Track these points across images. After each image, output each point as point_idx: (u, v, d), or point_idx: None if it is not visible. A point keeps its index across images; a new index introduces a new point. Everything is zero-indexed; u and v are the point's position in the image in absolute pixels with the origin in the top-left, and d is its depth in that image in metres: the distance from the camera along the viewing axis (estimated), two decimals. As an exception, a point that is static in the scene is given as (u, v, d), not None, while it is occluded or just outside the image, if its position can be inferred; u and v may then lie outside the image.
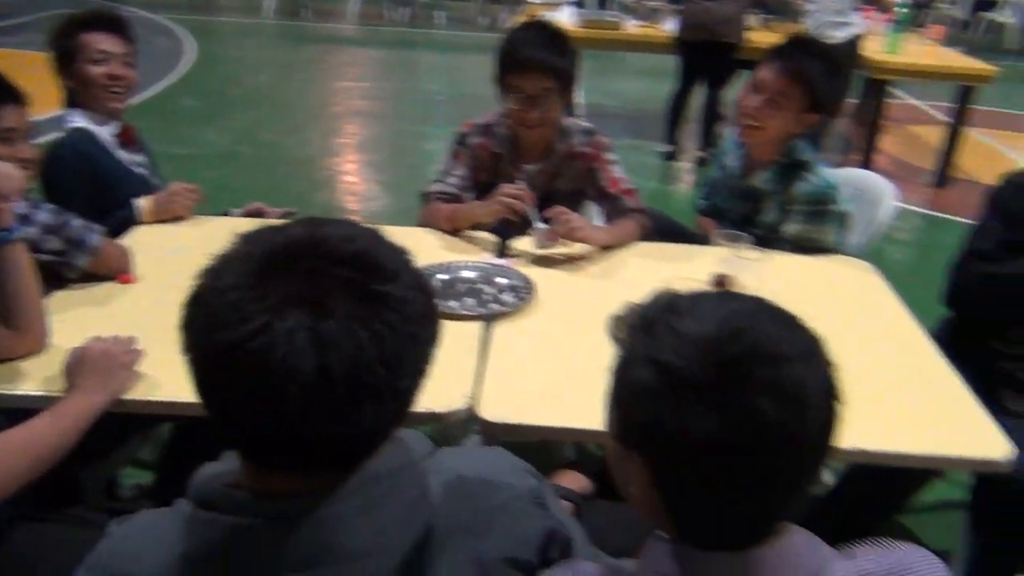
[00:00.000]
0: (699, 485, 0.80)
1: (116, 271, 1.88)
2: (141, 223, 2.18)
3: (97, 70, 2.17)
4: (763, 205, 2.33)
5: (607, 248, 2.19)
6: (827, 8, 4.90)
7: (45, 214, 1.74)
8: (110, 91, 2.20)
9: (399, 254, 0.80)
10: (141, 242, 2.06)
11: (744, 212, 2.38)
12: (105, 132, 2.22)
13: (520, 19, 5.85)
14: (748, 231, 2.20)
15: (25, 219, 1.68)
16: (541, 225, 2.13)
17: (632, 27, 5.88)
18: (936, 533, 2.31)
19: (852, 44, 4.89)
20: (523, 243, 2.19)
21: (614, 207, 2.32)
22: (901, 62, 5.23)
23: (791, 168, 2.26)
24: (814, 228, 2.24)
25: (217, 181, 4.53)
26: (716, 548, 0.82)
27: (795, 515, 0.86)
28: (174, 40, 8.83)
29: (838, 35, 4.82)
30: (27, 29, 8.61)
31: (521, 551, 0.90)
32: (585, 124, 2.38)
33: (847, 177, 2.64)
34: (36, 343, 1.56)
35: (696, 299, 0.84)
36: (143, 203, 2.19)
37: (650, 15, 5.96)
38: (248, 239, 0.79)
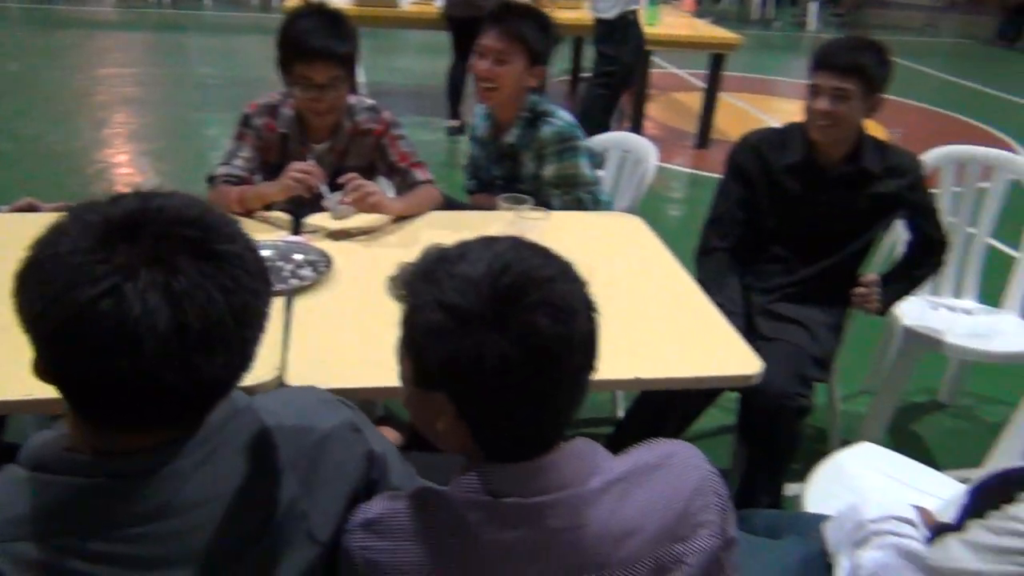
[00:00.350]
0: (499, 403, 0.92)
1: None
2: None
3: None
4: (520, 160, 2.52)
5: (401, 219, 2.28)
6: None
7: None
8: None
9: (230, 219, 0.86)
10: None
11: (506, 173, 2.57)
12: None
13: (292, 1, 5.77)
14: (514, 189, 2.40)
15: None
16: (334, 195, 2.18)
17: (407, 4, 5.94)
18: (714, 455, 2.60)
19: (626, 19, 5.08)
20: (317, 219, 2.23)
21: (405, 181, 2.40)
22: (659, 33, 5.64)
23: (534, 120, 2.47)
24: (567, 164, 2.46)
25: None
26: (516, 461, 0.95)
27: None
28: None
29: (610, 14, 5.10)
30: None
31: (347, 481, 0.99)
32: (369, 101, 2.44)
33: (614, 140, 2.87)
34: None
35: (463, 247, 0.96)
36: None
37: (424, -9, 6.04)
38: (80, 211, 0.81)
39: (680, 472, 1.01)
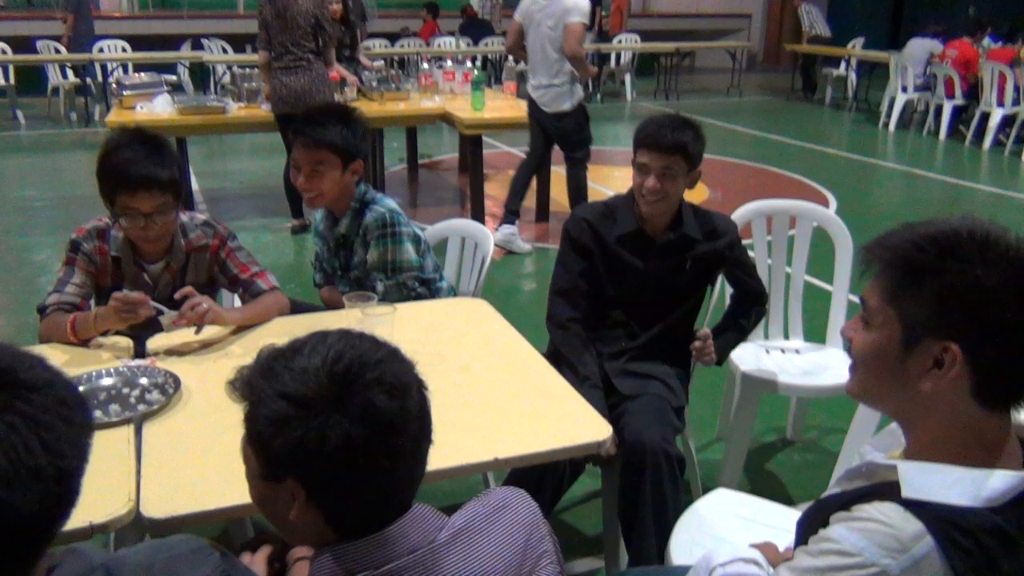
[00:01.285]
0: (347, 480, 0.99)
1: None
2: None
3: None
4: (352, 248, 2.59)
5: (247, 328, 2.26)
6: (554, 84, 5.35)
7: None
8: None
9: (31, 357, 0.86)
10: None
11: (342, 263, 2.63)
12: None
13: (115, 116, 5.66)
14: (347, 277, 2.49)
15: None
16: (171, 313, 2.15)
17: (235, 109, 5.92)
18: (587, 522, 2.66)
19: (581, 105, 5.44)
20: (160, 339, 2.18)
21: (249, 291, 2.39)
22: (489, 117, 5.87)
23: (362, 209, 2.55)
24: (389, 248, 2.52)
25: None
26: (367, 534, 1.01)
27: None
28: None
29: (567, 106, 5.37)
30: None
31: None
32: (202, 216, 2.44)
33: (451, 228, 2.96)
34: None
35: (297, 343, 1.05)
36: None
37: (251, 96, 6.05)
38: None
39: (514, 513, 1.12)
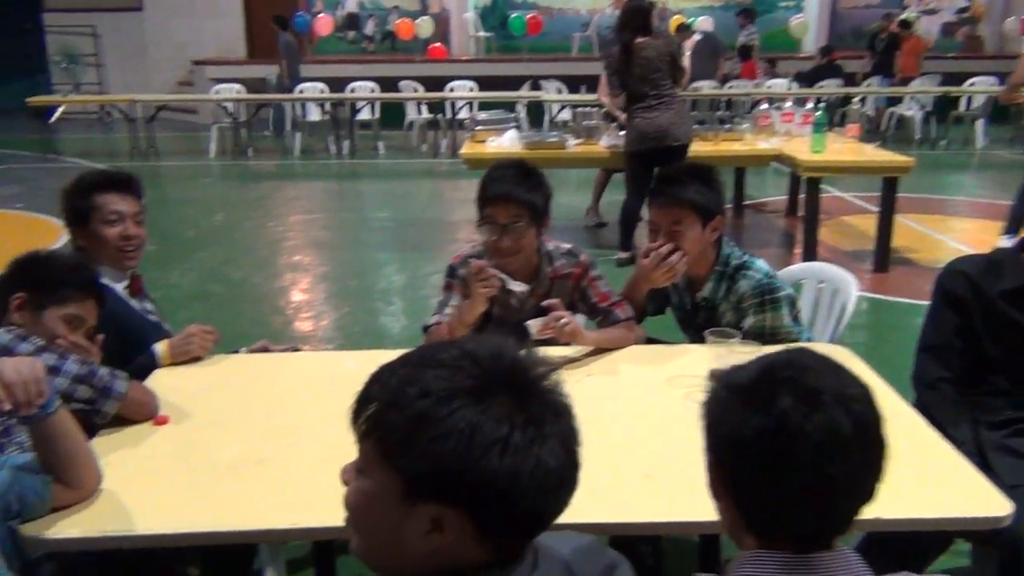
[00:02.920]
0: (755, 474, 1.06)
1: (144, 415, 1.92)
2: (159, 367, 2.23)
3: (111, 231, 2.25)
4: (717, 312, 2.50)
5: (602, 351, 2.34)
6: None
7: (73, 364, 1.82)
8: (124, 251, 2.28)
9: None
10: (164, 385, 2.11)
11: (701, 323, 2.51)
12: (119, 287, 2.31)
13: (468, 149, 6.18)
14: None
15: (54, 370, 1.76)
16: (532, 321, 2.29)
17: (573, 145, 6.21)
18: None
19: None
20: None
21: (606, 319, 2.47)
22: (831, 160, 5.63)
23: (731, 273, 2.47)
24: (767, 316, 2.42)
25: (194, 321, 4.54)
26: (787, 548, 1.05)
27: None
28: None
29: None
30: None
31: None
32: (567, 246, 2.56)
33: (808, 271, 2.85)
34: (90, 493, 1.61)
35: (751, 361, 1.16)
36: (160, 348, 2.24)
37: (589, 134, 6.32)
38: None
39: None
